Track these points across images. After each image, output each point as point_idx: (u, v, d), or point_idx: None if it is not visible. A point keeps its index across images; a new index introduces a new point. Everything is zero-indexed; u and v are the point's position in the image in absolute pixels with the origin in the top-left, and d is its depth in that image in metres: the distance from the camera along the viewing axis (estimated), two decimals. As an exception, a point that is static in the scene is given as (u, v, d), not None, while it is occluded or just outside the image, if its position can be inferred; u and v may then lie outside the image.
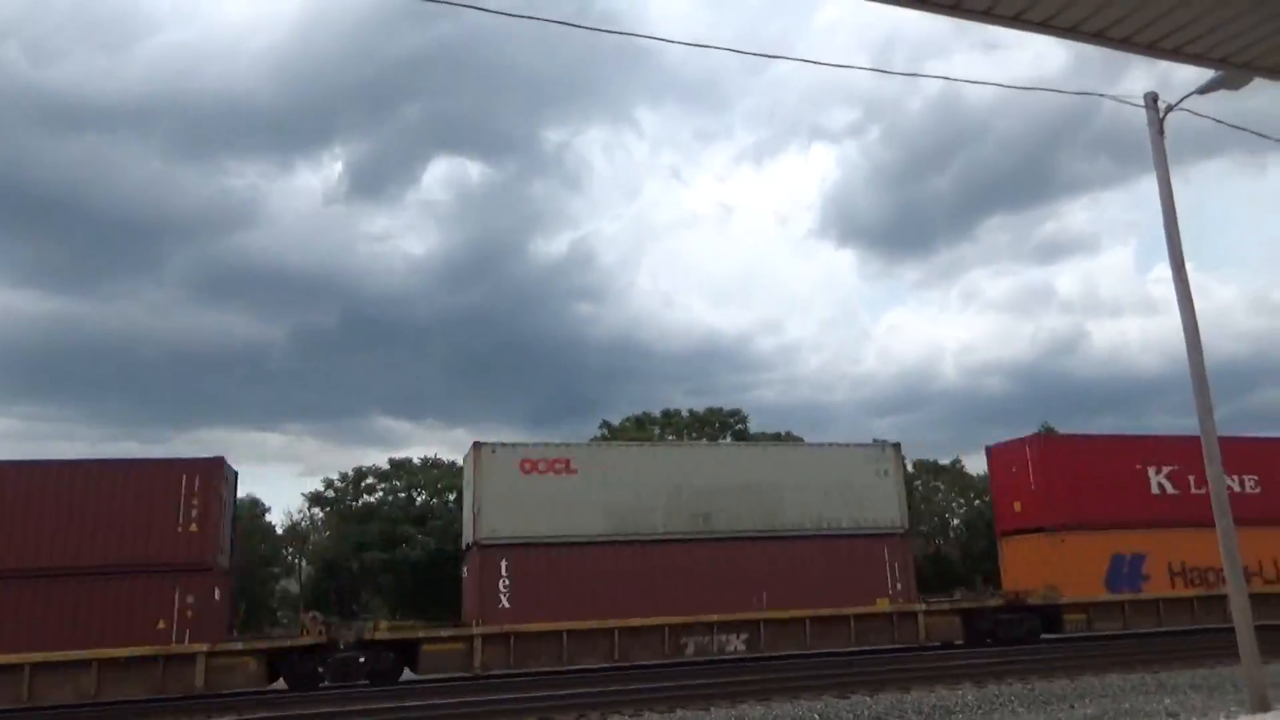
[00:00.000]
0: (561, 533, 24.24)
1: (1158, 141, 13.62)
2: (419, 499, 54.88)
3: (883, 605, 25.88)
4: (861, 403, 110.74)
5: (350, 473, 56.02)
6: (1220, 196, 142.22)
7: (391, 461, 56.72)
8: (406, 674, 23.31)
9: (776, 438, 63.28)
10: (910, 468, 72.13)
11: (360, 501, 55.95)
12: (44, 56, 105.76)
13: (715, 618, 24.59)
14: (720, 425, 67.14)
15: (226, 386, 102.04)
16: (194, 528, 21.79)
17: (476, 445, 24.48)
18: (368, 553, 52.69)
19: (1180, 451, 28.33)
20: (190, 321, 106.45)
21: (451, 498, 50.93)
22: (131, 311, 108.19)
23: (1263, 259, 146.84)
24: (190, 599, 21.43)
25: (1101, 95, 13.85)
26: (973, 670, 19.99)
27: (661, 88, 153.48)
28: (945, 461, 69.20)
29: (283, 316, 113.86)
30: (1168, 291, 14.39)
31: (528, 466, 24.44)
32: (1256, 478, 28.34)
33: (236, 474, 24.27)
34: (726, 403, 72.19)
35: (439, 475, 54.76)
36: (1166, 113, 13.69)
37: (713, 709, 16.35)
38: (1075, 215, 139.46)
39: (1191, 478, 28.12)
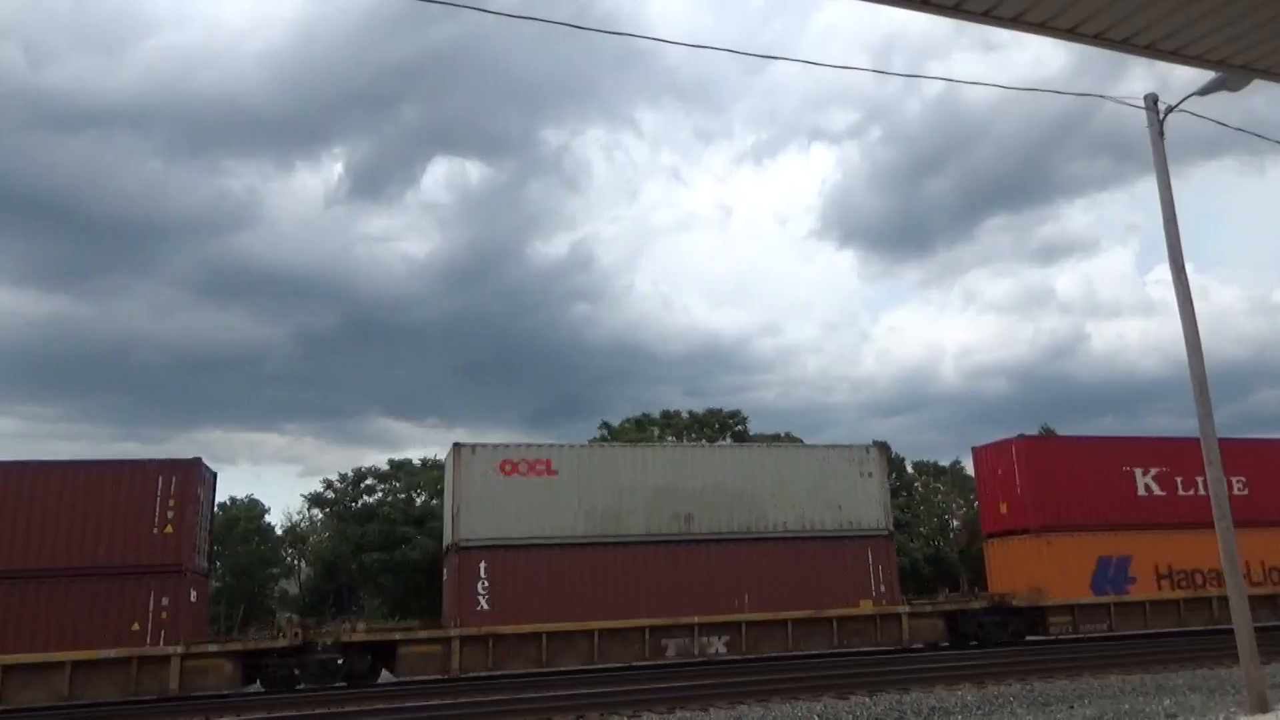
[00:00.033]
0: (542, 534, 23.78)
1: (1157, 143, 13.46)
2: (419, 500, 54.46)
3: (866, 607, 25.36)
4: (861, 404, 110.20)
5: (350, 473, 55.68)
6: (1220, 198, 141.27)
7: (391, 462, 56.37)
8: (385, 676, 22.94)
9: (776, 439, 62.76)
10: (910, 469, 71.90)
11: (360, 502, 55.59)
12: (43, 57, 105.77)
13: (696, 619, 24.11)
14: (720, 426, 66.62)
15: (226, 387, 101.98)
16: (169, 529, 21.42)
17: (456, 446, 24.06)
18: (368, 554, 52.36)
19: (1167, 453, 27.83)
20: (190, 322, 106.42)
21: (451, 499, 50.53)
22: (131, 312, 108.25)
23: (1263, 260, 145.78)
24: (165, 601, 21.06)
25: (1101, 96, 13.66)
26: (972, 671, 19.67)
27: (661, 89, 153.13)
28: (945, 463, 68.70)
29: (283, 317, 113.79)
30: (1168, 293, 14.13)
31: (508, 468, 24.01)
32: (1244, 479, 27.73)
33: (215, 475, 23.91)
34: (726, 404, 71.82)
35: (439, 476, 54.34)
36: (1166, 114, 13.52)
37: (711, 709, 16.08)
38: (1075, 216, 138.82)
39: (1179, 479, 27.61)
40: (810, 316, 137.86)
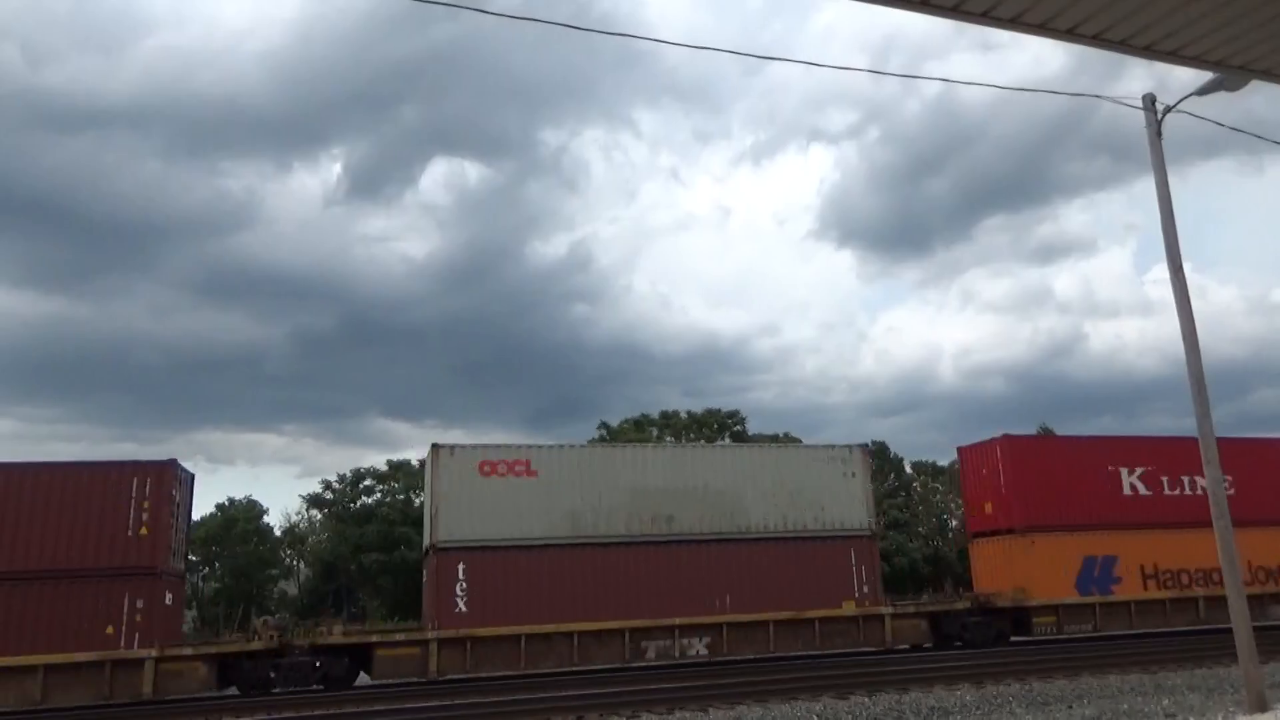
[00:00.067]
0: (521, 535, 23.31)
1: (1155, 143, 13.32)
2: (418, 500, 54.05)
3: (848, 608, 24.83)
4: (860, 404, 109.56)
5: (349, 474, 55.44)
6: (1219, 198, 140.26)
7: (390, 463, 56.07)
8: (363, 679, 22.51)
9: (774, 439, 62.26)
10: (909, 469, 71.36)
11: (359, 503, 55.30)
12: (42, 57, 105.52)
13: (677, 621, 23.61)
14: (719, 427, 66.14)
15: (225, 388, 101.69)
16: (145, 531, 21.01)
17: (435, 446, 23.60)
18: (366, 554, 52.05)
19: (1153, 453, 27.28)
20: (189, 323, 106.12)
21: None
22: (130, 313, 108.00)
23: (1261, 260, 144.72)
24: (140, 603, 20.64)
25: (1099, 97, 13.58)
26: (970, 671, 19.36)
27: (660, 89, 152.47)
28: (944, 463, 68.09)
29: (282, 318, 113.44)
30: (1166, 293, 13.93)
31: (487, 469, 23.55)
32: (1231, 479, 27.03)
33: (192, 476, 23.49)
34: (725, 404, 71.29)
35: (436, 477, 53.96)
36: (1164, 114, 13.37)
37: (711, 710, 15.79)
38: (1073, 216, 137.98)
39: (1165, 479, 27.06)
40: (809, 317, 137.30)
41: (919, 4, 6.25)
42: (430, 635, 22.24)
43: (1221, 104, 13.03)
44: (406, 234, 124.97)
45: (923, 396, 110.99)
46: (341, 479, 55.42)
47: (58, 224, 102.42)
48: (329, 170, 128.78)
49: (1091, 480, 26.53)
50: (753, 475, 25.19)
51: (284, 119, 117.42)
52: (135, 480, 21.20)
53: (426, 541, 24.17)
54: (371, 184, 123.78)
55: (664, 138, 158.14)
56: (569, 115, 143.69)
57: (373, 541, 51.83)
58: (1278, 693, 13.43)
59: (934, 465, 69.12)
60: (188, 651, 20.99)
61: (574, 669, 22.73)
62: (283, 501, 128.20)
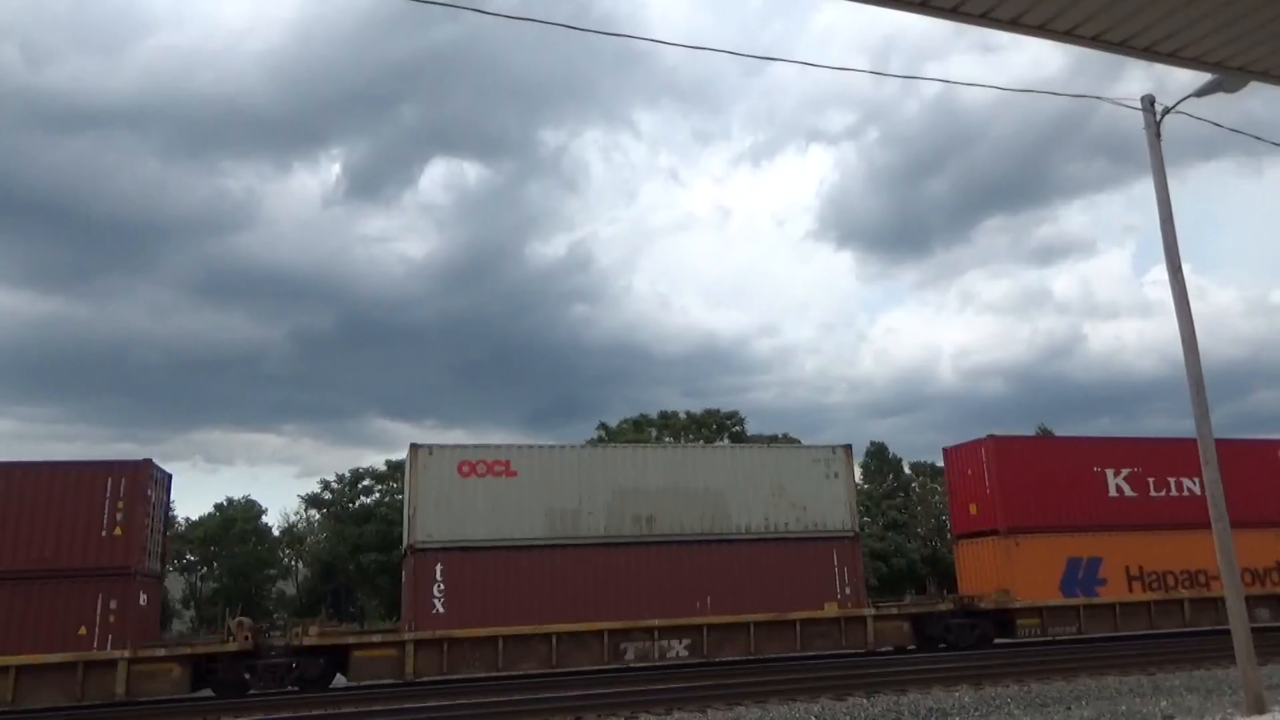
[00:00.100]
0: (500, 536, 22.85)
1: (1154, 144, 13.21)
2: (415, 500, 53.63)
3: (830, 610, 24.32)
4: (859, 405, 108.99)
5: (347, 474, 55.07)
6: (1217, 199, 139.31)
7: (389, 463, 55.60)
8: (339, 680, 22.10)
9: (774, 440, 61.73)
10: (908, 469, 70.81)
11: (357, 503, 54.92)
12: (41, 57, 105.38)
13: (656, 623, 23.11)
14: (718, 427, 65.65)
15: (224, 388, 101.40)
16: (119, 531, 20.63)
17: (414, 447, 23.17)
18: (365, 554, 51.66)
19: (1139, 454, 26.74)
20: (188, 323, 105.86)
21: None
22: (129, 313, 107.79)
23: (1260, 261, 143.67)
24: (114, 604, 20.25)
25: (1098, 98, 13.44)
26: (969, 672, 19.11)
27: (659, 90, 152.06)
28: (943, 464, 67.42)
29: (281, 318, 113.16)
30: (1165, 294, 13.74)
31: (466, 469, 23.11)
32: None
33: (169, 476, 23.06)
34: (724, 405, 70.84)
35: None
36: (1163, 115, 13.26)
37: (709, 711, 15.59)
38: (1072, 217, 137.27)
39: (1150, 480, 26.51)
40: (808, 317, 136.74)
41: (919, 5, 6.23)
42: (407, 637, 21.80)
43: (1220, 105, 12.79)
44: (406, 234, 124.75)
45: (922, 397, 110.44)
46: (340, 479, 55.07)
47: (57, 224, 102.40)
48: (328, 170, 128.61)
49: (1076, 482, 25.98)
50: (734, 476, 24.68)
51: (283, 119, 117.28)
52: (109, 480, 20.80)
53: (405, 542, 23.76)
54: (371, 184, 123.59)
55: (663, 138, 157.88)
56: (568, 116, 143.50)
57: (371, 541, 51.42)
58: (1276, 694, 13.34)
59: (933, 466, 68.41)
60: (161, 652, 20.59)
61: (553, 671, 22.31)
62: (281, 501, 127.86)
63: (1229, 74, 7.95)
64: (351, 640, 21.93)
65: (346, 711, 17.22)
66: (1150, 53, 7.09)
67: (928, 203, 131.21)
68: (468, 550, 22.54)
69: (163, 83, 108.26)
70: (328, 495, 54.75)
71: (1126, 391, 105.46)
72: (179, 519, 52.81)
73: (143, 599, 20.95)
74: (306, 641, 21.35)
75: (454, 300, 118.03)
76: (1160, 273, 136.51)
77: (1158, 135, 13.16)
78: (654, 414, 66.18)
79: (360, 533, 52.05)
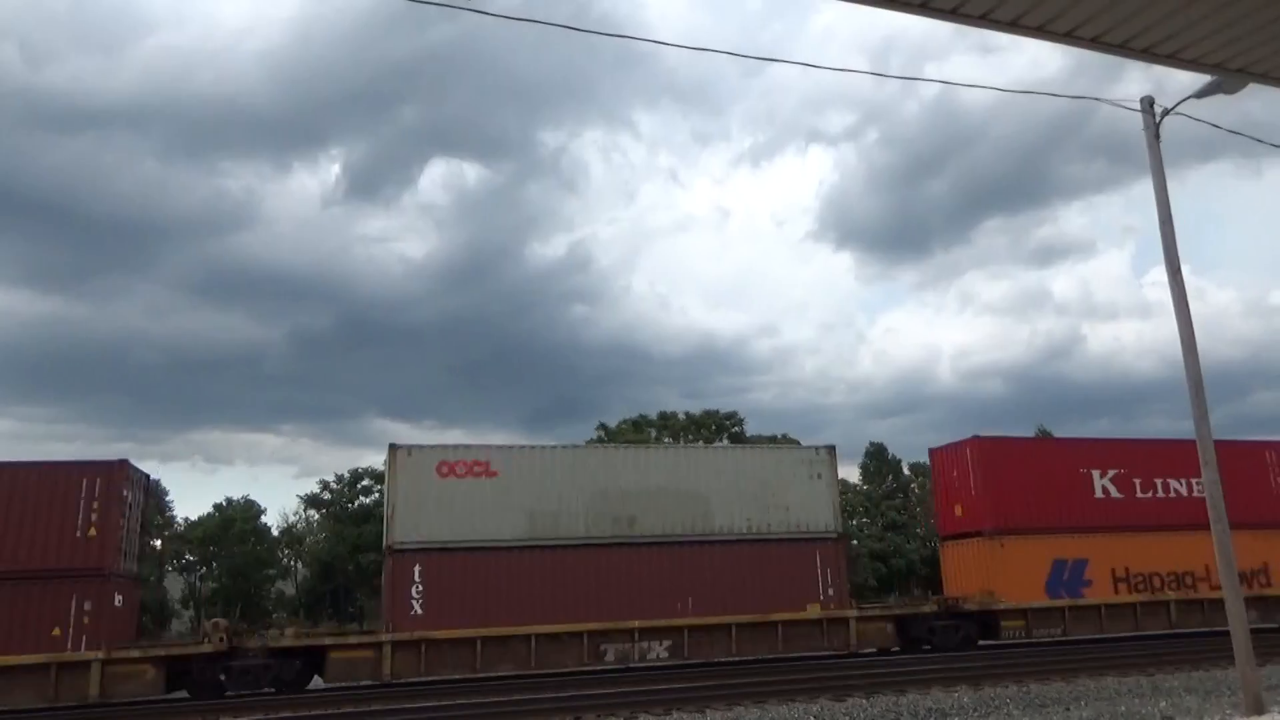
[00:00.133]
0: (479, 537, 22.45)
1: (1154, 145, 13.13)
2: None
3: (813, 611, 23.86)
4: (859, 405, 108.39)
5: (346, 474, 54.78)
6: (1217, 200, 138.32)
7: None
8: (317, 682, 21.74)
9: (773, 440, 61.24)
10: (907, 470, 70.27)
11: (356, 503, 54.64)
12: (41, 57, 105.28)
13: (636, 624, 22.69)
14: (717, 428, 65.21)
15: (224, 388, 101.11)
16: (93, 532, 20.30)
17: (393, 447, 22.79)
18: (364, 555, 51.34)
19: (1126, 455, 26.23)
20: (187, 323, 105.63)
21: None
22: (128, 312, 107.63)
23: (1259, 263, 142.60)
24: (88, 605, 19.91)
25: (1098, 99, 13.33)
26: (968, 673, 18.89)
27: (659, 90, 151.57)
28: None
29: (280, 318, 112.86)
30: (1164, 295, 13.40)
31: (445, 469, 22.73)
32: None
33: (147, 476, 22.76)
34: (723, 405, 70.38)
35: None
36: (1162, 117, 13.18)
37: (708, 711, 15.39)
38: (1071, 219, 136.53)
39: (1137, 481, 25.98)
40: (807, 318, 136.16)
41: (919, 6, 6.18)
42: (384, 638, 21.43)
43: (1219, 107, 12.55)
44: (405, 234, 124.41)
45: (921, 398, 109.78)
46: (339, 479, 54.81)
47: (57, 224, 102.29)
48: (328, 170, 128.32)
49: (1063, 483, 25.47)
50: (717, 477, 24.25)
51: (283, 119, 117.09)
52: (84, 481, 20.47)
53: (385, 543, 23.40)
54: (370, 184, 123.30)
55: (663, 139, 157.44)
56: (568, 116, 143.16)
57: (370, 542, 51.01)
58: (1275, 695, 13.25)
59: (931, 467, 67.92)
60: (135, 653, 20.26)
61: (532, 672, 21.93)
62: (280, 501, 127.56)
63: (1228, 75, 7.93)
64: (328, 641, 21.57)
65: (347, 712, 16.93)
66: (1149, 54, 7.06)
67: (927, 203, 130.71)
68: (446, 551, 22.17)
69: (162, 83, 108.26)
70: (327, 495, 54.49)
71: (1125, 393, 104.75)
72: (178, 519, 52.64)
73: (118, 600, 20.62)
74: (283, 643, 21.01)
75: (453, 300, 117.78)
76: (1159, 274, 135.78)
77: (1157, 136, 13.07)
78: (653, 414, 65.78)
79: (359, 533, 51.75)
